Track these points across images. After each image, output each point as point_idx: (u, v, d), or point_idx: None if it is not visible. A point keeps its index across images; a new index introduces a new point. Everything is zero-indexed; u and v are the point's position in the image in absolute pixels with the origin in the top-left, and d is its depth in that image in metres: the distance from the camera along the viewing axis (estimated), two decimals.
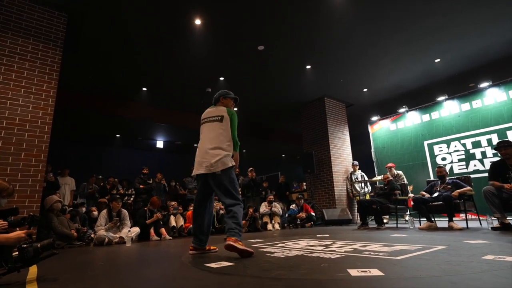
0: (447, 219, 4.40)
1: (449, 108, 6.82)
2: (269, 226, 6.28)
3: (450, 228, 4.17)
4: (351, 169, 7.95)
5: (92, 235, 4.62)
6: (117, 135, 10.76)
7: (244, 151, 13.54)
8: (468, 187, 4.49)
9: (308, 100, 8.46)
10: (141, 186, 6.73)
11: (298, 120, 9.06)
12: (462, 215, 5.06)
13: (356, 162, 7.92)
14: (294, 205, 7.22)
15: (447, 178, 4.84)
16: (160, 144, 11.72)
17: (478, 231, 3.71)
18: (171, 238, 5.11)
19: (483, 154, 6.10)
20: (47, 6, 4.41)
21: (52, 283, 1.78)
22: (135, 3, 4.49)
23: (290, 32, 5.35)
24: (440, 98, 6.98)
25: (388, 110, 8.30)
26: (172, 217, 5.73)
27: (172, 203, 6.31)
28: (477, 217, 4.56)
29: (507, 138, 5.71)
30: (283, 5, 4.65)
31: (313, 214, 7.01)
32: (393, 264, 1.74)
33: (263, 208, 6.61)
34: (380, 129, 8.10)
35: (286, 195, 9.29)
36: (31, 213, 2.15)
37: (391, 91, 8.02)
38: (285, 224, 6.92)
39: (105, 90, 7.49)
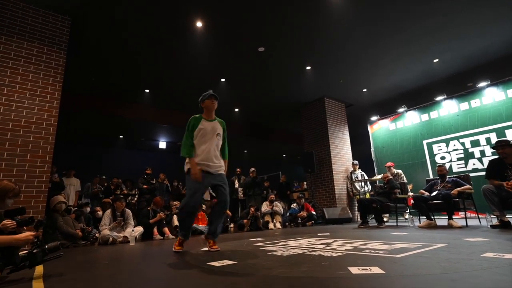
0: (447, 217, 4.39)
1: (448, 108, 6.80)
2: (271, 225, 6.28)
3: (449, 226, 4.16)
4: (351, 169, 7.94)
5: (97, 235, 4.63)
6: (120, 136, 10.78)
7: (245, 151, 13.55)
8: (468, 186, 4.48)
9: (308, 100, 8.46)
10: (144, 186, 6.74)
11: (298, 120, 9.06)
12: (462, 213, 5.05)
13: (356, 162, 7.91)
14: (295, 204, 7.22)
15: (447, 177, 4.83)
16: (162, 144, 11.73)
17: (478, 229, 3.70)
18: (174, 237, 5.12)
19: (482, 153, 6.08)
20: (51, 9, 4.43)
21: (57, 281, 1.79)
22: (136, 5, 4.49)
23: (290, 33, 5.35)
24: (439, 98, 6.96)
25: (388, 110, 8.29)
26: (175, 216, 5.72)
27: (175, 202, 6.31)
28: (476, 215, 4.54)
29: (505, 136, 5.69)
30: (283, 6, 4.65)
31: (314, 213, 7.00)
32: (393, 262, 1.74)
33: (265, 207, 6.61)
34: (380, 128, 8.09)
35: (287, 194, 9.29)
36: (40, 218, 2.17)
37: (390, 91, 8.00)
38: (286, 223, 6.92)
39: (107, 92, 7.51)
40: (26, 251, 1.90)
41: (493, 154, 5.76)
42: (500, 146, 3.89)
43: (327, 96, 8.26)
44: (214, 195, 7.47)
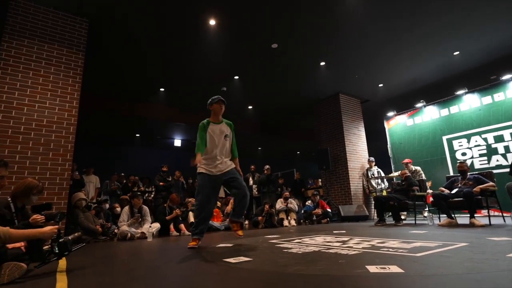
0: (468, 215, 4.23)
1: (469, 102, 6.55)
2: (285, 222, 6.27)
3: (471, 225, 4.02)
4: (367, 165, 7.81)
5: (116, 230, 4.77)
6: (137, 135, 11.02)
7: (259, 148, 13.56)
8: (491, 183, 4.30)
9: (322, 96, 8.36)
10: (161, 183, 6.86)
11: (312, 117, 8.97)
12: (484, 212, 4.86)
13: (372, 158, 7.77)
14: (309, 202, 7.17)
15: (468, 173, 4.66)
16: (177, 142, 11.91)
17: (502, 228, 3.55)
18: (190, 233, 5.18)
19: (506, 149, 5.82)
20: (70, 12, 4.56)
21: (80, 274, 1.85)
22: (149, 6, 4.55)
23: (304, 29, 5.28)
24: (460, 92, 6.71)
25: (405, 105, 8.07)
26: (190, 213, 5.81)
27: (191, 199, 6.40)
28: (500, 214, 4.36)
29: None
30: (296, 1, 4.59)
31: (329, 210, 6.93)
32: (413, 261, 1.70)
33: (279, 204, 6.60)
34: (397, 124, 7.91)
35: (302, 191, 9.24)
36: (60, 211, 2.25)
37: (408, 86, 7.79)
38: (301, 220, 6.89)
39: (123, 92, 7.67)
40: (49, 245, 1.97)
41: None
42: None
43: (342, 92, 8.14)
44: (228, 192, 7.56)
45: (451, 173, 6.30)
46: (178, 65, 6.36)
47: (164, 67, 6.47)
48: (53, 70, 4.27)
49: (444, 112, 6.98)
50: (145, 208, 5.01)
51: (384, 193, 6.94)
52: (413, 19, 5.10)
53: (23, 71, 4.05)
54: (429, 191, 5.60)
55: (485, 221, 4.27)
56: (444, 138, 6.85)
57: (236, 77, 7.06)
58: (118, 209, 5.43)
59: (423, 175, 6.20)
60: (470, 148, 6.36)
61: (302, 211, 7.12)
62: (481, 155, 6.18)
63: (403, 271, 1.45)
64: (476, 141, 6.30)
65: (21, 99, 3.97)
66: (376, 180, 7.51)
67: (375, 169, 7.65)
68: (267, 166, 7.79)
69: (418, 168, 6.37)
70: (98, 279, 1.73)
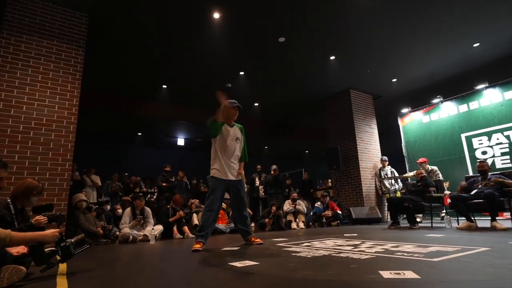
0: (489, 218, 4.16)
1: (490, 97, 6.43)
2: (293, 225, 6.26)
3: (493, 228, 3.95)
4: (380, 165, 7.74)
5: (117, 233, 4.82)
6: (138, 134, 11.12)
7: (265, 147, 13.55)
8: None
9: (332, 93, 8.31)
10: (163, 184, 6.91)
11: (322, 114, 8.93)
12: (507, 214, 4.78)
13: (385, 158, 7.71)
14: (319, 203, 7.14)
15: (489, 174, 4.58)
16: (181, 141, 11.98)
17: None
18: (194, 236, 5.21)
19: None
20: (69, 7, 4.61)
21: (81, 278, 1.88)
22: (153, 0, 4.58)
23: (313, 21, 5.24)
24: (480, 86, 6.59)
25: (420, 101, 7.96)
26: (194, 215, 5.84)
27: (194, 201, 6.44)
28: None
29: None
30: None
31: (340, 212, 6.90)
32: (429, 266, 1.67)
33: (287, 206, 6.59)
34: (412, 121, 7.82)
35: (310, 192, 9.21)
36: (60, 212, 2.28)
37: (423, 81, 7.68)
38: (310, 223, 6.87)
39: (125, 89, 7.75)
40: (51, 248, 2.00)
41: None
42: None
43: (353, 88, 8.07)
44: None
45: (470, 173, 6.20)
46: (180, 60, 6.39)
47: (167, 63, 6.51)
48: (52, 67, 4.33)
49: (463, 108, 6.87)
50: (148, 209, 5.05)
51: (398, 194, 6.87)
52: (429, 9, 5.02)
53: (21, 68, 4.11)
54: (447, 192, 5.53)
55: (507, 224, 4.20)
56: (463, 135, 6.75)
57: (242, 73, 7.05)
58: (120, 210, 5.49)
59: (440, 175, 6.12)
60: (491, 147, 6.25)
61: (311, 213, 7.09)
62: (503, 154, 6.07)
63: (419, 277, 1.43)
64: (497, 138, 6.18)
65: (20, 97, 4.03)
66: (390, 181, 7.44)
67: (388, 169, 7.58)
68: (274, 166, 7.78)
69: (435, 167, 6.28)
70: (99, 282, 1.75)
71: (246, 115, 9.84)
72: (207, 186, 8.14)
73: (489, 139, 6.30)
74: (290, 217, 6.42)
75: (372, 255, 2.12)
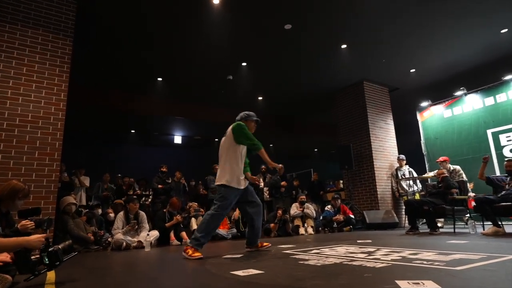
0: None
1: None
2: (301, 230, 6.27)
3: None
4: (397, 164, 7.72)
5: (109, 239, 4.86)
6: (132, 131, 11.18)
7: (270, 145, 13.55)
8: None
9: (344, 85, 8.28)
10: (159, 186, 6.94)
11: (332, 109, 8.91)
12: None
13: (402, 156, 7.67)
14: (329, 206, 7.14)
15: None
16: (178, 139, 12.03)
17: None
18: None
19: None
20: None
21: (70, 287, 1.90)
22: None
23: (322, 6, 5.22)
24: (508, 77, 6.52)
25: (442, 93, 7.91)
26: (193, 219, 5.87)
27: (192, 204, 6.47)
28: None
29: None
30: None
31: (352, 216, 6.89)
32: (451, 276, 1.67)
33: (294, 209, 6.60)
34: (432, 116, 7.77)
35: (320, 195, 9.21)
36: (48, 216, 2.30)
37: (445, 71, 7.63)
38: (320, 228, 6.87)
39: (117, 82, 7.79)
40: (37, 256, 2.02)
41: None
42: None
43: (367, 79, 8.04)
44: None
45: (497, 173, 6.15)
46: (177, 51, 6.40)
47: (162, 54, 6.52)
48: (38, 58, 4.36)
49: (489, 101, 6.81)
50: (142, 214, 5.09)
51: (417, 196, 6.84)
52: None
53: (4, 60, 4.14)
54: (471, 194, 5.49)
55: None
56: (489, 131, 6.69)
57: (244, 64, 7.05)
58: (112, 215, 5.53)
59: (463, 175, 6.08)
60: None
61: (321, 218, 7.09)
62: None
63: (440, 286, 1.43)
64: None
65: (3, 91, 4.06)
66: (407, 182, 7.41)
67: (406, 169, 7.55)
68: (280, 165, 7.77)
69: (457, 167, 6.24)
70: None
71: (249, 110, 9.84)
72: (206, 188, 8.18)
73: None
74: (297, 222, 6.42)
75: (388, 263, 2.12)
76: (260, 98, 9.04)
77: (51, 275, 2.26)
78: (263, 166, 8.39)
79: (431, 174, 6.91)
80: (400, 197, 7.55)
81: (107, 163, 10.25)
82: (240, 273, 2.03)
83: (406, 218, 5.63)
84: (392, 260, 2.27)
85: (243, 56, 6.78)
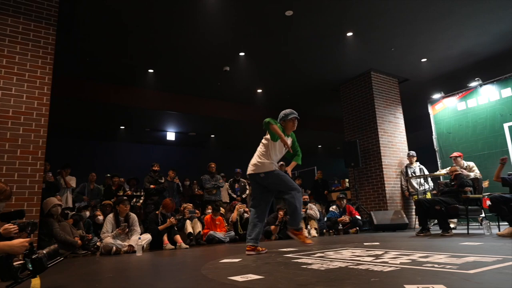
0: None
1: None
2: (304, 232, 6.29)
3: None
4: (407, 161, 7.73)
5: (98, 243, 4.88)
6: (121, 127, 11.16)
7: None
8: None
9: (349, 76, 8.28)
10: (151, 186, 6.95)
11: (337, 102, 8.91)
12: None
13: (413, 153, 7.68)
14: (334, 207, 7.16)
15: None
16: (171, 136, 12.00)
17: None
18: (187, 246, 5.27)
19: None
20: None
21: None
22: None
23: None
24: None
25: (455, 84, 7.91)
26: (188, 222, 5.89)
27: (187, 205, 6.47)
28: None
29: None
30: None
31: (359, 217, 6.92)
32: (464, 279, 1.69)
33: None
34: (445, 109, 7.77)
35: (324, 194, 9.23)
36: (32, 220, 2.31)
37: (459, 60, 7.63)
38: (324, 230, 6.89)
39: (105, 74, 7.77)
40: (21, 262, 2.03)
41: None
42: None
43: (375, 70, 8.04)
44: (234, 196, 7.66)
45: None
46: (169, 39, 6.38)
47: (153, 43, 6.50)
48: (19, 49, 4.34)
49: (506, 92, 6.81)
50: (133, 216, 5.10)
51: (428, 195, 6.86)
52: None
53: None
54: (486, 192, 5.51)
55: None
56: (506, 125, 6.70)
57: (242, 54, 7.03)
58: (101, 217, 5.54)
59: (478, 172, 6.10)
60: None
61: (325, 219, 7.12)
62: None
63: None
64: None
65: None
66: (418, 180, 7.43)
67: (416, 166, 7.56)
68: (281, 162, 7.80)
69: (472, 163, 6.26)
70: None
71: (247, 104, 9.87)
72: (201, 187, 8.20)
73: None
74: (300, 224, 6.44)
75: (397, 267, 2.14)
76: (259, 90, 9.02)
77: (36, 282, 2.27)
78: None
79: (443, 171, 6.92)
80: (410, 196, 7.57)
81: (95, 161, 10.26)
82: (238, 278, 2.04)
83: (417, 219, 5.65)
84: (401, 263, 2.29)
85: (241, 45, 6.76)
